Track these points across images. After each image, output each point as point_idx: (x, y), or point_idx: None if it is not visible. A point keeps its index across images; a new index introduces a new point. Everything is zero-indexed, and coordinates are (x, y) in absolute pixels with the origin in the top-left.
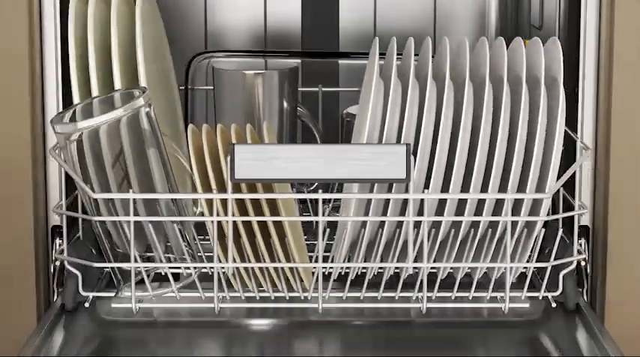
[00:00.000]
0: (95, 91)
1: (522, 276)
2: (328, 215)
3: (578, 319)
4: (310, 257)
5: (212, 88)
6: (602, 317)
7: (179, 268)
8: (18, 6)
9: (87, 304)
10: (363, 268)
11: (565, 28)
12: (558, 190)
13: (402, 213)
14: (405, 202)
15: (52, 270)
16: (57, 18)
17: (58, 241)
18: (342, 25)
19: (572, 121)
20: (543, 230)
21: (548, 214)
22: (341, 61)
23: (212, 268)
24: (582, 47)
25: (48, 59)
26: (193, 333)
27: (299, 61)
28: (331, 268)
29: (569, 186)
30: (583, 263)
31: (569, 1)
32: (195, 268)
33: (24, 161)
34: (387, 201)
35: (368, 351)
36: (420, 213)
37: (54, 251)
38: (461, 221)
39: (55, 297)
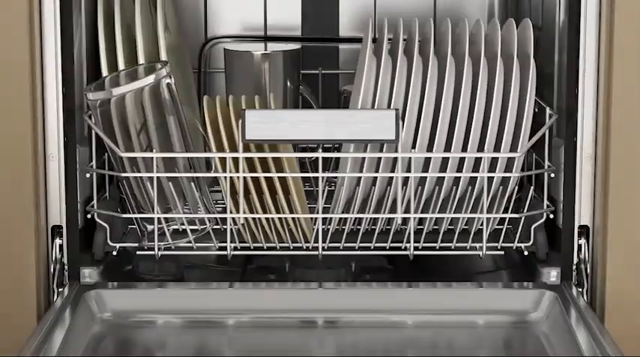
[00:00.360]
0: (121, 65)
1: (499, 233)
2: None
3: (579, 319)
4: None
5: (222, 70)
6: (602, 317)
7: (195, 224)
8: (18, 7)
9: (114, 253)
10: (358, 224)
11: (565, 29)
12: (532, 155)
13: (393, 171)
14: (395, 161)
15: (52, 270)
16: (57, 17)
17: (57, 241)
18: (341, 18)
19: (572, 122)
20: (516, 191)
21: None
22: (341, 46)
23: (225, 224)
24: (582, 46)
25: (48, 59)
26: (192, 334)
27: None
28: (329, 224)
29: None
30: (552, 216)
31: (569, 2)
32: (209, 220)
33: (25, 162)
34: (379, 160)
35: None
36: (408, 170)
37: (54, 251)
38: (444, 180)
39: (55, 297)
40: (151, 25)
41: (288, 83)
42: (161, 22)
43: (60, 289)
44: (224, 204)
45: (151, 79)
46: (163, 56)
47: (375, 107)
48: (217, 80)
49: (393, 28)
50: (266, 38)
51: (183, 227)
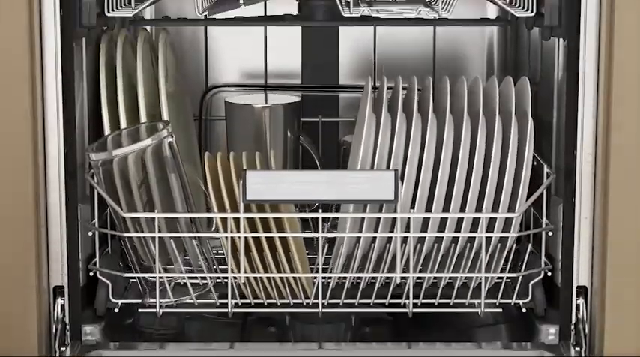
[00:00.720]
0: (123, 123)
1: (498, 287)
2: (327, 232)
3: None
4: (311, 269)
5: (223, 118)
6: None
7: (196, 278)
8: (19, 67)
9: (116, 310)
10: (358, 278)
11: (563, 85)
12: (530, 211)
13: (392, 229)
14: (394, 219)
15: (53, 330)
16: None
17: (59, 300)
18: (341, 65)
19: (570, 182)
20: (515, 245)
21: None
22: (341, 95)
23: (226, 278)
24: (581, 103)
25: (50, 118)
26: None
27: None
28: (330, 278)
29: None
30: (550, 273)
31: (568, 58)
32: (210, 278)
33: (27, 223)
34: (379, 219)
35: None
36: (407, 229)
37: (56, 311)
38: (443, 237)
39: None
40: (152, 75)
41: (289, 134)
42: (162, 74)
43: (62, 349)
44: (224, 253)
45: (154, 139)
46: (164, 108)
47: (375, 164)
48: (218, 128)
49: (393, 79)
50: (266, 87)
51: (185, 282)
